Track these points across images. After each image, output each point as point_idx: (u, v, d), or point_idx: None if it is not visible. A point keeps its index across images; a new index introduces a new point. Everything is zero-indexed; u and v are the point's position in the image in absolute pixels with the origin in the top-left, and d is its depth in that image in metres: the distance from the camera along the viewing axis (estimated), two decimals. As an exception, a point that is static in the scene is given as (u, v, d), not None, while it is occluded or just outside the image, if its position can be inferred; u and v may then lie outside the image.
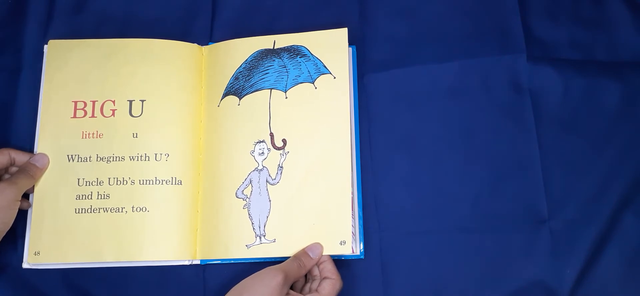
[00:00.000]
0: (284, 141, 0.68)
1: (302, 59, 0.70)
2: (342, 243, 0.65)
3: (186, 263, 0.68)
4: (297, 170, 0.67)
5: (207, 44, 0.74)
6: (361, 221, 0.68)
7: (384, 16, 0.74)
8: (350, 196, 0.66)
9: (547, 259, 0.66)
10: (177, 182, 0.69)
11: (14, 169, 0.68)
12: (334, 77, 0.69)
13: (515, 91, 0.70)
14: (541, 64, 0.70)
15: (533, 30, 0.72)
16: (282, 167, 0.68)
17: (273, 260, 0.65)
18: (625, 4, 0.73)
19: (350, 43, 0.72)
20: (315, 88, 0.69)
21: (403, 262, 0.67)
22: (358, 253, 0.67)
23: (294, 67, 0.70)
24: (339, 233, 0.65)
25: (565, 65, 0.70)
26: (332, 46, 0.70)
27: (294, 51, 0.71)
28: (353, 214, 0.66)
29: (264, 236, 0.66)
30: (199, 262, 0.68)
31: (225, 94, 0.71)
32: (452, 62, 0.71)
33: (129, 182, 0.68)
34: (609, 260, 0.65)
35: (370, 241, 0.68)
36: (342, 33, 0.70)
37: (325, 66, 0.69)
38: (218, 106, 0.70)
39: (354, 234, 0.66)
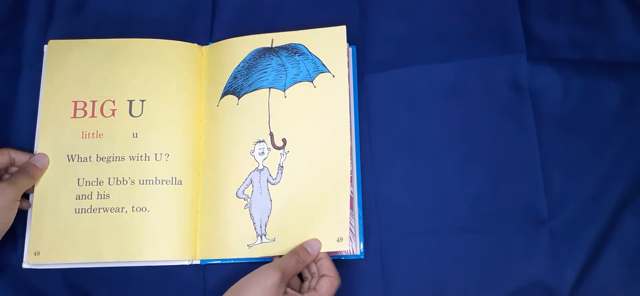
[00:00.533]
0: (284, 140, 0.68)
1: (300, 57, 0.70)
2: (340, 239, 0.64)
3: (186, 263, 0.68)
4: (297, 169, 0.67)
5: (207, 44, 0.74)
6: (361, 221, 0.67)
7: (384, 16, 0.74)
8: (348, 192, 0.66)
9: (547, 259, 0.66)
10: (177, 182, 0.69)
11: (14, 169, 0.68)
12: (333, 76, 0.69)
13: (515, 91, 0.70)
14: (541, 64, 0.70)
15: (533, 30, 0.72)
16: (282, 167, 0.68)
17: (274, 259, 0.65)
18: (625, 4, 0.73)
19: (351, 43, 0.72)
20: (314, 87, 0.69)
21: (403, 262, 0.67)
22: (358, 252, 0.67)
23: (293, 65, 0.70)
24: (336, 229, 0.65)
25: (565, 65, 0.70)
26: (330, 44, 0.69)
27: (293, 50, 0.71)
28: (353, 214, 0.66)
29: (265, 235, 0.66)
30: (199, 262, 0.68)
31: (224, 94, 0.70)
32: (452, 62, 0.71)
33: (129, 182, 0.68)
34: (609, 260, 0.65)
35: (370, 240, 0.68)
36: (341, 31, 0.70)
37: (323, 65, 0.69)
38: (217, 105, 0.70)
39: (353, 234, 0.66)
